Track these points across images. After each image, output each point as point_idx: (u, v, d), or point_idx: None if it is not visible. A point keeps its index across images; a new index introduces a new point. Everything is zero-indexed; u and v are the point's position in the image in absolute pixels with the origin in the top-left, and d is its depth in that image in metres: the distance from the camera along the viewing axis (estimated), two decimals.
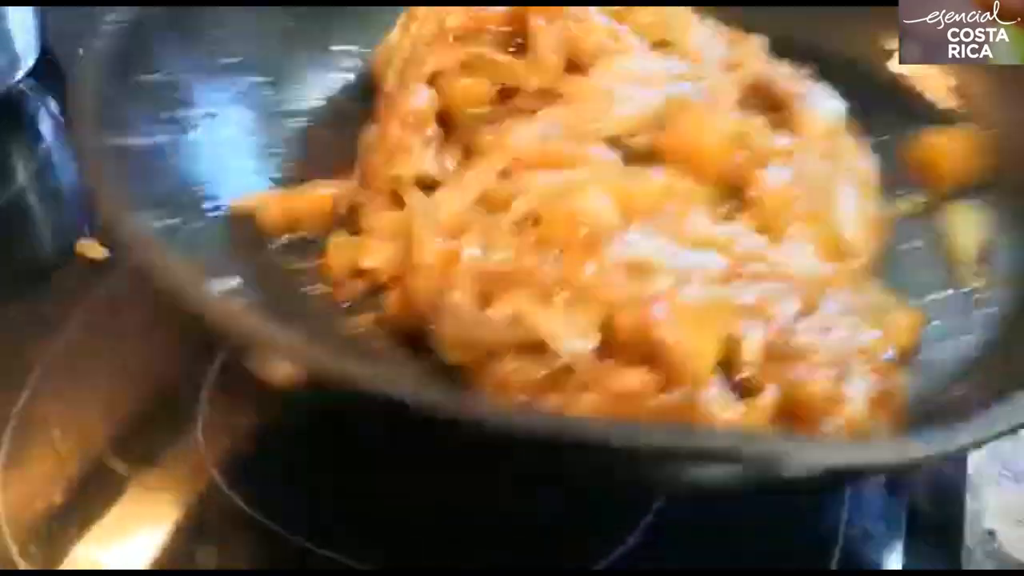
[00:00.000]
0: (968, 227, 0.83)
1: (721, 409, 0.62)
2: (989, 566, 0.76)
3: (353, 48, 0.98)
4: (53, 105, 1.14)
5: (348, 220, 0.81)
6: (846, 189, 0.80)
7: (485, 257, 0.70)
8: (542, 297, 0.66)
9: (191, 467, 0.76)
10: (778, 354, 0.65)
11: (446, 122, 0.85)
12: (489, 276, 0.68)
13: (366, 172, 0.84)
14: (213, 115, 0.85)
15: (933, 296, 0.78)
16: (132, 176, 0.72)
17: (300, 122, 0.92)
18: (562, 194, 0.72)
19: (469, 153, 0.84)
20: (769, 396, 0.63)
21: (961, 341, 0.74)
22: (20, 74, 1.12)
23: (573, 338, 0.64)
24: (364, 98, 0.94)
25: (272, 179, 0.86)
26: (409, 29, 0.92)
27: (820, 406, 0.64)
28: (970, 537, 0.77)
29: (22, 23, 1.11)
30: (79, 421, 0.79)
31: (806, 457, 0.52)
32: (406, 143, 0.82)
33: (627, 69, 0.84)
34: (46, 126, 1.13)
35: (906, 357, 0.72)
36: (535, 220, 0.71)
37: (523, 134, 0.79)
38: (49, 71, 1.15)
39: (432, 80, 0.86)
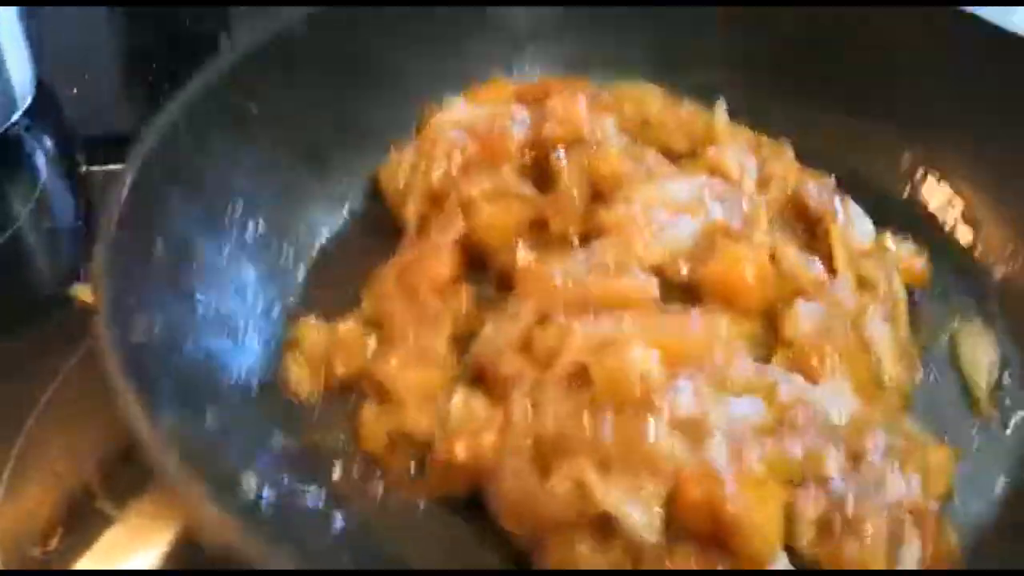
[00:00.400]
0: (978, 353, 0.85)
1: None
2: None
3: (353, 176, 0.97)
4: (49, 143, 1.12)
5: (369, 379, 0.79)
6: (879, 321, 0.81)
7: (537, 419, 0.70)
8: (602, 466, 0.66)
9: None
10: (832, 528, 0.66)
11: (480, 249, 0.85)
12: (545, 442, 0.68)
13: (388, 323, 0.81)
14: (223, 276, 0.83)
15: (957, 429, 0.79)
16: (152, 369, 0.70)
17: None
18: (608, 348, 0.71)
19: (506, 281, 0.83)
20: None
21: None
22: (17, 115, 1.10)
23: (641, 513, 0.64)
24: (370, 231, 0.94)
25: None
26: (423, 152, 0.90)
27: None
28: None
29: (18, 60, 1.08)
30: (73, 460, 0.80)
31: None
32: (435, 310, 0.80)
33: (662, 196, 0.83)
34: (42, 163, 1.11)
35: (943, 501, 0.73)
36: (582, 376, 0.71)
37: (563, 271, 0.78)
38: (45, 107, 1.13)
39: (462, 209, 0.85)
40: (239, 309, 0.83)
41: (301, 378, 0.81)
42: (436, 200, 0.87)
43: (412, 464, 0.75)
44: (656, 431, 0.67)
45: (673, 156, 0.95)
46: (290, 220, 0.92)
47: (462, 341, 0.81)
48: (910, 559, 0.66)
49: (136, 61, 1.28)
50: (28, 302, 0.97)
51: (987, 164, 0.94)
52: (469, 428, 0.72)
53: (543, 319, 0.77)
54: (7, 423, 0.82)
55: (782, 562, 0.65)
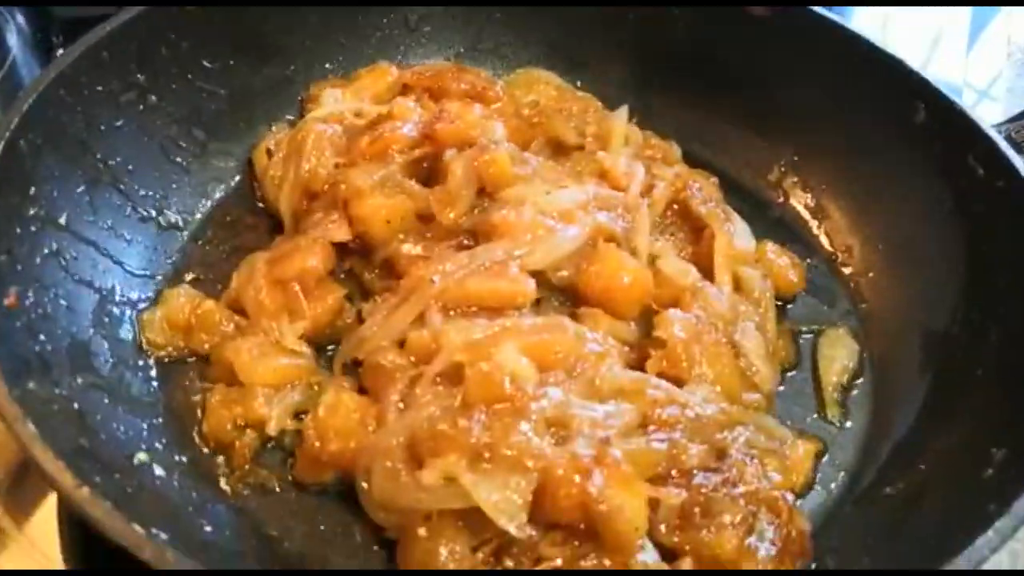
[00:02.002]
0: (836, 356, 0.89)
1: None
2: None
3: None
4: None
5: (218, 365, 0.80)
6: (750, 326, 0.85)
7: (411, 416, 0.71)
8: (473, 461, 0.67)
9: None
10: (692, 517, 0.70)
11: (364, 241, 0.85)
12: (418, 438, 0.69)
13: (252, 310, 0.82)
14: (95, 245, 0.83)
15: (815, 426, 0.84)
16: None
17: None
18: (481, 349, 0.73)
19: (389, 271, 0.85)
20: (688, 561, 0.68)
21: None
22: None
23: (510, 506, 0.66)
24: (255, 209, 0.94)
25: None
26: (295, 147, 0.90)
27: (732, 560, 0.69)
28: None
29: None
30: None
31: None
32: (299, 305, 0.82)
33: (550, 202, 0.85)
34: (14, 42, 1.06)
35: (801, 492, 0.79)
36: (457, 374, 0.72)
37: (444, 271, 0.79)
38: None
39: (345, 202, 0.85)
40: (116, 277, 0.83)
41: (155, 340, 0.81)
42: (311, 195, 0.88)
43: (253, 449, 0.76)
44: (526, 429, 0.69)
45: (562, 148, 0.98)
46: (172, 190, 0.92)
47: (324, 337, 0.83)
48: (763, 546, 0.70)
49: None
50: None
51: (852, 178, 0.99)
52: (340, 422, 0.73)
53: (421, 318, 0.78)
54: None
55: (649, 551, 0.67)
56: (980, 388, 0.80)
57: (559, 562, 0.66)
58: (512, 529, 0.65)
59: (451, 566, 0.66)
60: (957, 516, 0.69)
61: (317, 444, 0.72)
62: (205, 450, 0.77)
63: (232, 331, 0.82)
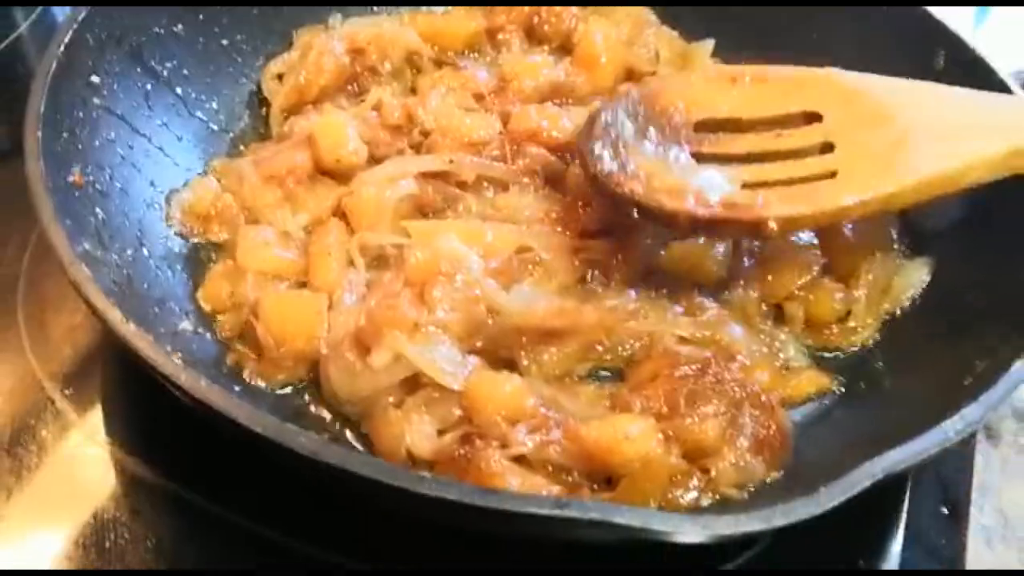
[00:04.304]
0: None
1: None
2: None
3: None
4: None
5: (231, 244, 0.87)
6: None
7: (355, 308, 0.79)
8: (412, 334, 0.75)
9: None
10: (678, 407, 0.75)
11: None
12: (362, 327, 0.76)
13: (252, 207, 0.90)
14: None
15: None
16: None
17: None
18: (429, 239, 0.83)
19: None
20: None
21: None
22: None
23: (449, 365, 0.74)
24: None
25: None
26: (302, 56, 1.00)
27: (715, 447, 0.74)
28: None
29: None
30: None
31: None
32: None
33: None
34: None
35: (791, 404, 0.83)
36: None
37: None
38: None
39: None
40: (165, 168, 0.91)
41: (178, 219, 0.88)
42: (303, 98, 0.98)
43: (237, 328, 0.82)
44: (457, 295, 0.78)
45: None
46: (223, 96, 1.00)
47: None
48: (743, 436, 0.75)
49: None
50: None
51: None
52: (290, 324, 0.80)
53: None
54: None
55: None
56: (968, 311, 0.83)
57: (528, 446, 0.71)
58: (455, 386, 0.73)
59: (417, 450, 0.72)
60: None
61: (270, 341, 0.79)
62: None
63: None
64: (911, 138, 0.79)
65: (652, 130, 0.84)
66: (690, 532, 0.59)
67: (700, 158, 0.84)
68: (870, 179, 0.79)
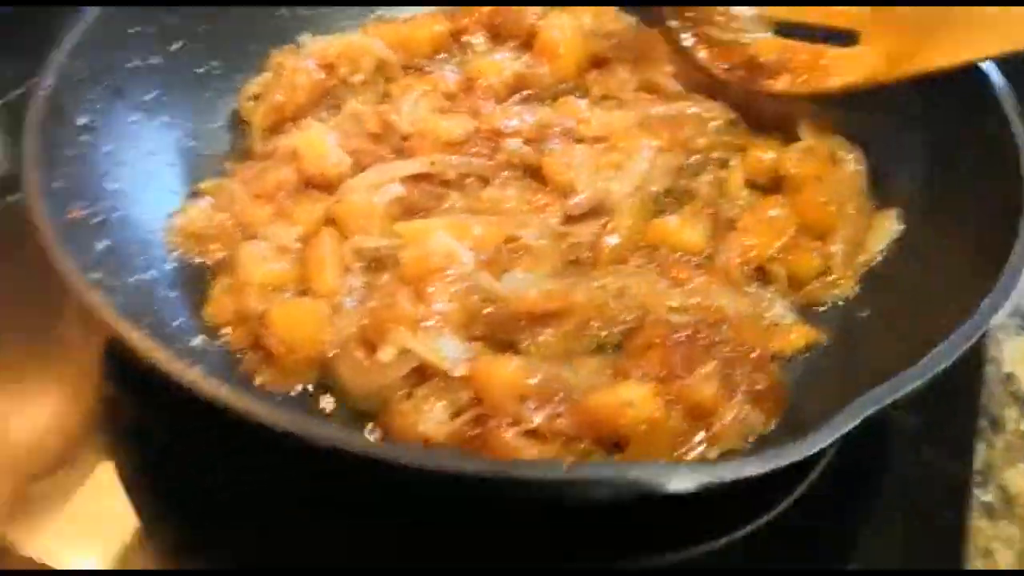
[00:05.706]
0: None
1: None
2: (1010, 404, 0.89)
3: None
4: None
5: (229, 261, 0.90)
6: None
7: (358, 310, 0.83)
8: (413, 327, 0.79)
9: None
10: (675, 368, 0.79)
11: None
12: (368, 326, 0.81)
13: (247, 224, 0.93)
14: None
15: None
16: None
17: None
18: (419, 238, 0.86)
19: None
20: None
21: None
22: None
23: (452, 352, 0.78)
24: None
25: None
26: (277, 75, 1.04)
27: (712, 405, 0.77)
28: (993, 382, 0.91)
29: None
30: None
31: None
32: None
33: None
34: None
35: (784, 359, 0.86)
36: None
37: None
38: None
39: None
40: (158, 193, 0.94)
41: (180, 243, 0.91)
42: (282, 115, 1.01)
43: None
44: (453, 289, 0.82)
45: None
46: (204, 121, 1.03)
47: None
48: (738, 393, 0.79)
49: None
50: None
51: None
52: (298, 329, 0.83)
53: None
54: None
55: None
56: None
57: (537, 421, 0.75)
58: (459, 372, 0.77)
59: (432, 435, 0.76)
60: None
61: (282, 349, 0.82)
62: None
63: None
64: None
65: None
66: (686, 479, 0.64)
67: None
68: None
